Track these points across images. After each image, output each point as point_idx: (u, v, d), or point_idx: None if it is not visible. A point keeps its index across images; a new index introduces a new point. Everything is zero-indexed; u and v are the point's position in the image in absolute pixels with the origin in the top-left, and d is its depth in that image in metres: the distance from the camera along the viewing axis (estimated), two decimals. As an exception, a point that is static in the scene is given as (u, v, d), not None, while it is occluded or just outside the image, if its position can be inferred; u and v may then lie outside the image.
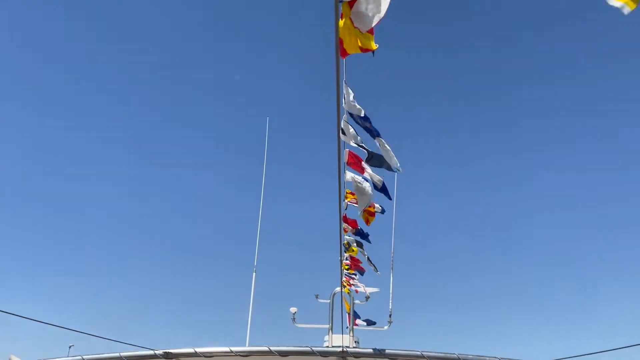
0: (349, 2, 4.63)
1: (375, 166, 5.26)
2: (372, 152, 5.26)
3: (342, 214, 6.63)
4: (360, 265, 12.11)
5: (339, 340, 13.63)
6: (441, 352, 4.96)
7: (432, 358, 4.91)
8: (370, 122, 5.18)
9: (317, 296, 16.33)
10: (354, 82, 5.50)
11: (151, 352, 5.19)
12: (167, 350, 5.15)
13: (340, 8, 4.63)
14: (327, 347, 13.43)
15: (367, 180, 5.49)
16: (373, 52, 4.81)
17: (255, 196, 20.12)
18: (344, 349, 5.25)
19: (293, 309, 16.18)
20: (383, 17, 4.51)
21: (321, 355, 5.24)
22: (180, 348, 5.25)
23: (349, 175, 5.62)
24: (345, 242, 8.49)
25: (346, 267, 12.35)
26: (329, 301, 15.32)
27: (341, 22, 4.74)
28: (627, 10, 4.12)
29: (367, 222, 6.65)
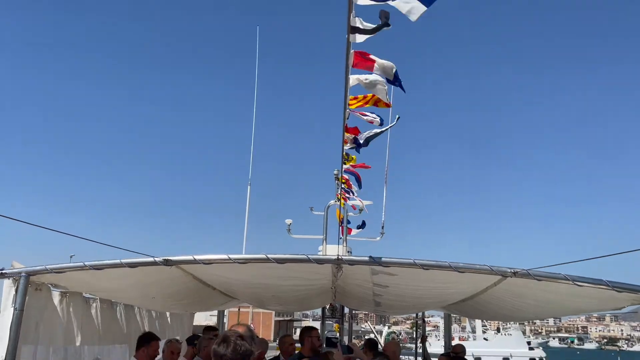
0: None
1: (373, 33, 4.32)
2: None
3: (344, 124, 6.51)
4: (358, 172, 12.14)
5: (333, 250, 14.04)
6: (433, 260, 5.09)
7: (424, 265, 5.05)
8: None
9: (311, 209, 16.56)
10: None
11: (151, 259, 5.31)
12: (166, 258, 5.26)
13: None
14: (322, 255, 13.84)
15: (378, 74, 5.01)
16: None
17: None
18: (339, 257, 5.38)
19: (288, 221, 16.47)
20: None
21: (317, 263, 5.38)
22: (179, 255, 5.37)
23: (354, 77, 5.17)
24: (344, 153, 8.44)
25: (343, 180, 12.44)
26: (323, 213, 15.58)
27: None
28: None
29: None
